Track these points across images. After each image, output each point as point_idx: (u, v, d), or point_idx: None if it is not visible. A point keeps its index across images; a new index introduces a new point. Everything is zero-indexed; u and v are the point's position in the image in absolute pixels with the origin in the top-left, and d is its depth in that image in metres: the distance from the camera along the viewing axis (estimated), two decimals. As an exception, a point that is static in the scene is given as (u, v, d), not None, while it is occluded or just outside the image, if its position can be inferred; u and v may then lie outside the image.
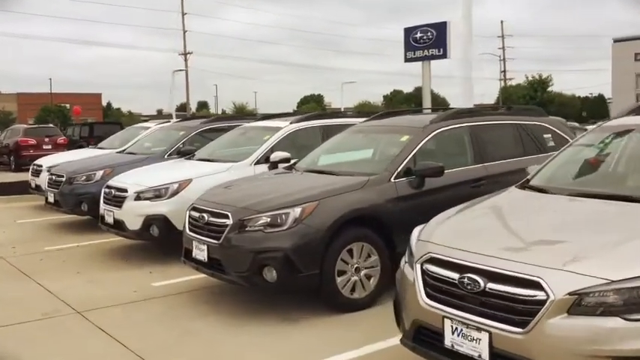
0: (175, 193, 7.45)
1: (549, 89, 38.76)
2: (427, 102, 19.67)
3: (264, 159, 8.05)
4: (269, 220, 5.26)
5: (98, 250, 8.49)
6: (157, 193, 7.49)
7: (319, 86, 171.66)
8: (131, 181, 7.86)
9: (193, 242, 5.77)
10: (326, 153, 7.19)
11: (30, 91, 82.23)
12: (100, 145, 13.82)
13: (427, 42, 19.60)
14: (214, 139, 10.41)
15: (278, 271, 5.15)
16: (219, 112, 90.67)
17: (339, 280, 5.35)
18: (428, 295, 3.50)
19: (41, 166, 12.22)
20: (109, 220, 7.86)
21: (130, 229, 7.55)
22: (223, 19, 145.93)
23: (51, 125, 29.47)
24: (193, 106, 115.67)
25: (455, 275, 3.35)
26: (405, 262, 3.91)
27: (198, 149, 9.82)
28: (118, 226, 7.73)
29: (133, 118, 76.48)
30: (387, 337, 4.57)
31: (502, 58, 74.89)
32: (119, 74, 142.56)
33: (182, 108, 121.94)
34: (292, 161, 7.68)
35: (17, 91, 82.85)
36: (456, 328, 3.31)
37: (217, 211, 5.59)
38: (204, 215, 5.68)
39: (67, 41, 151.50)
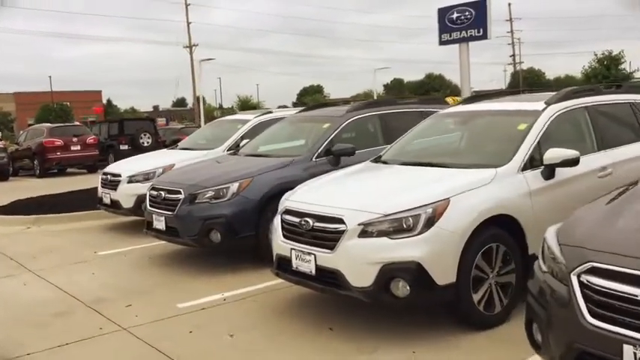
0: (430, 223, 4.46)
1: (621, 67, 35.51)
2: (466, 87, 17.58)
3: (530, 161, 5.11)
4: None
5: (264, 306, 5.52)
6: (399, 225, 4.48)
7: (317, 77, 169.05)
8: (342, 204, 4.85)
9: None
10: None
11: (27, 90, 79.15)
12: (182, 144, 10.76)
13: (465, 22, 18.33)
14: (386, 132, 7.69)
15: None
16: (219, 106, 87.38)
17: None
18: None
19: (118, 175, 9.19)
20: (307, 268, 4.85)
21: (355, 286, 4.55)
22: (215, 7, 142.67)
23: (77, 123, 26.42)
24: (190, 101, 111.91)
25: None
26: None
27: (353, 145, 7.19)
28: (327, 278, 4.73)
29: (137, 115, 73.14)
30: None
31: (511, 42, 72.79)
32: (108, 70, 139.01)
33: (179, 103, 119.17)
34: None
35: (14, 91, 79.67)
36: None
37: None
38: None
39: (56, 36, 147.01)
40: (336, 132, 7.51)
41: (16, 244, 8.89)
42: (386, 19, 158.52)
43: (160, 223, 7.04)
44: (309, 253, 4.81)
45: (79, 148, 21.53)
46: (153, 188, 7.35)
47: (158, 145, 24.41)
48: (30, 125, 65.29)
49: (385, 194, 4.87)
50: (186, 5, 59.97)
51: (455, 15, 18.45)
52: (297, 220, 5.00)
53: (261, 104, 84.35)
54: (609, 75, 33.05)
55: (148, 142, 23.79)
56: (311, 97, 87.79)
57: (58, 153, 21.07)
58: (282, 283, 5.70)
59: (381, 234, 4.50)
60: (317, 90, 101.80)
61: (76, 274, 7.07)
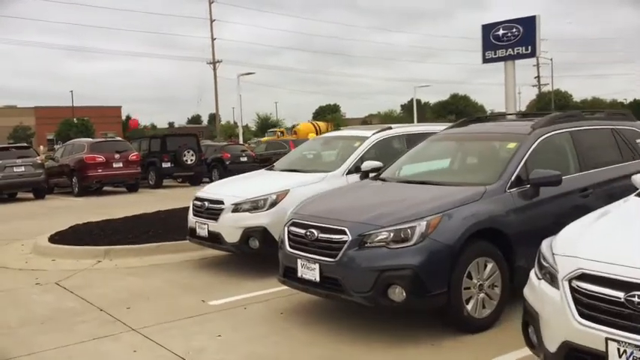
0: None
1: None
2: (511, 106, 16.49)
3: None
4: None
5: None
6: None
7: (331, 95, 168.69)
8: None
9: None
10: None
11: (47, 105, 78.42)
12: (280, 165, 8.99)
13: (512, 39, 17.62)
14: (580, 154, 6.38)
15: None
16: (234, 124, 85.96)
17: None
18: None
19: (220, 202, 7.47)
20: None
21: None
22: (232, 23, 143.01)
23: (119, 138, 24.84)
24: (205, 118, 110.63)
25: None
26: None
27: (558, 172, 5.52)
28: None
29: (156, 132, 71.88)
30: None
31: (537, 63, 71.96)
32: (126, 86, 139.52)
33: (194, 120, 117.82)
34: None
35: (35, 105, 78.91)
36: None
37: None
38: None
39: (75, 49, 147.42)
40: (528, 153, 5.77)
41: (94, 286, 7.16)
42: (403, 39, 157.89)
43: (310, 272, 5.27)
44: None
45: (121, 165, 19.90)
46: (294, 224, 5.59)
47: (201, 162, 22.86)
48: (49, 140, 64.12)
49: None
50: (211, 21, 59.06)
51: (501, 32, 17.35)
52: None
53: (281, 123, 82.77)
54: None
55: (191, 160, 22.20)
56: (331, 117, 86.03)
57: (99, 170, 19.43)
58: None
59: None
60: (333, 109, 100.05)
61: (196, 335, 5.31)
